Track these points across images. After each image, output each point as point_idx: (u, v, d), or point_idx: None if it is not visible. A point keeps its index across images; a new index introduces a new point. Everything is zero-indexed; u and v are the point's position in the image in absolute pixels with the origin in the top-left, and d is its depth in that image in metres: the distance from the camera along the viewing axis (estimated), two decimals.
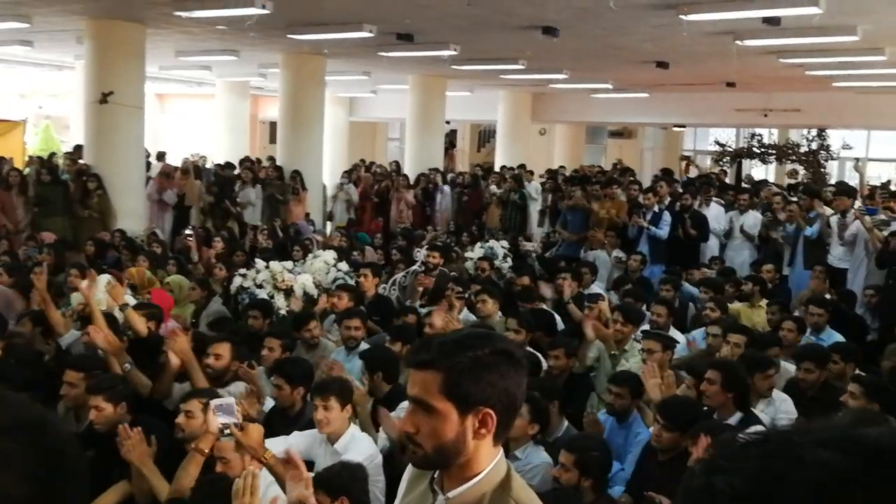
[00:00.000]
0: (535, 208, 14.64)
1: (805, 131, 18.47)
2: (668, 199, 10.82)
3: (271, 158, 15.74)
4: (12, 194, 11.00)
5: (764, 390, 5.04)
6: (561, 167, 17.71)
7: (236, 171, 14.31)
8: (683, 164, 18.09)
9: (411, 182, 15.15)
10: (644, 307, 7.16)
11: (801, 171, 17.86)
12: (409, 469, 1.98)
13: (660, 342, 5.52)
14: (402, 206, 14.71)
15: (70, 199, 11.15)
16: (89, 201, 11.02)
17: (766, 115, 17.50)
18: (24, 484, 0.68)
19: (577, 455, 3.76)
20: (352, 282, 7.67)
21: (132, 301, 6.18)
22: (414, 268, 8.70)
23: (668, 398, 4.53)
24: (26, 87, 22.80)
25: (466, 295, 7.26)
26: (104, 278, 6.53)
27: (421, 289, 7.79)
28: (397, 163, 17.79)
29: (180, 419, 3.99)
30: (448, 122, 19.03)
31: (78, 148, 13.21)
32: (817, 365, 5.33)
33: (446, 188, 15.05)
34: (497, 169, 17.13)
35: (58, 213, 11.01)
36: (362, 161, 18.60)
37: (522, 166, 16.52)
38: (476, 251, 9.79)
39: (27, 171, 12.12)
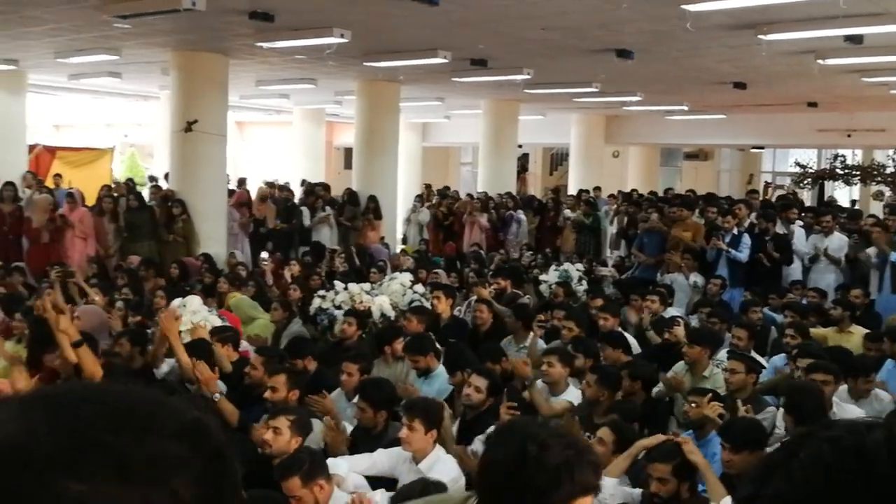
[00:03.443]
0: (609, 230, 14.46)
1: (891, 151, 17.93)
2: (748, 221, 10.63)
3: (349, 191, 15.90)
4: (104, 220, 11.43)
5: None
6: (633, 190, 17.51)
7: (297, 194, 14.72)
8: (762, 186, 17.79)
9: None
10: (726, 331, 7.05)
11: (887, 192, 17.34)
12: None
13: (744, 363, 5.40)
14: (475, 230, 14.71)
15: (156, 224, 11.51)
16: (174, 226, 11.37)
17: (849, 136, 17.05)
18: (194, 488, 0.68)
19: (674, 464, 3.70)
20: (427, 304, 7.72)
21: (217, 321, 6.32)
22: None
23: (729, 421, 4.45)
24: (113, 117, 23.54)
25: (548, 324, 7.18)
26: (194, 299, 6.70)
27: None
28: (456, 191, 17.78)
29: (268, 435, 4.02)
30: (520, 146, 19.05)
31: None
32: None
33: (521, 215, 14.91)
34: (571, 192, 17.03)
35: (144, 237, 11.35)
36: (428, 186, 18.62)
37: (598, 189, 16.38)
38: (551, 275, 9.74)
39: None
